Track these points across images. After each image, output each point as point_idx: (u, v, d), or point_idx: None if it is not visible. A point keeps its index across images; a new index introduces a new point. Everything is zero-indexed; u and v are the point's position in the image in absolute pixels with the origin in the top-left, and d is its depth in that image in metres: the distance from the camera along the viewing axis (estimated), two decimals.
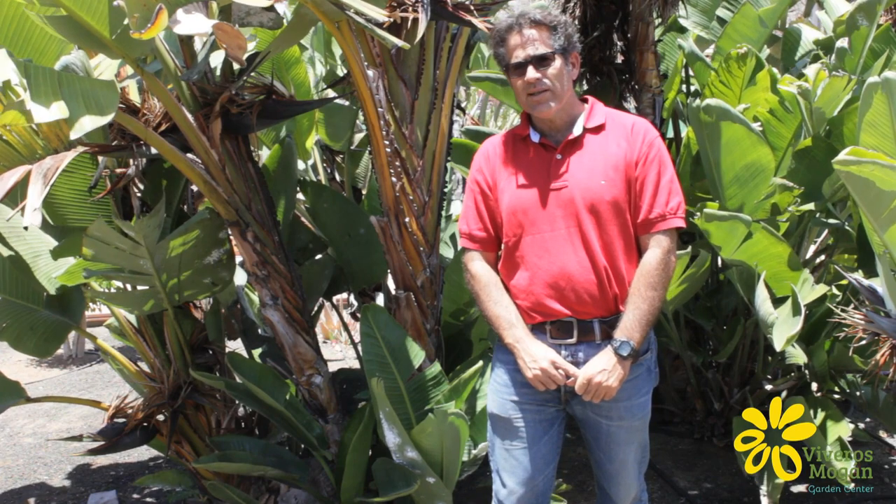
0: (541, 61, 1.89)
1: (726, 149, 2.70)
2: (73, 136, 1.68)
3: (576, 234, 1.91)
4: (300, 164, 3.93)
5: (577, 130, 1.96)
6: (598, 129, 1.97)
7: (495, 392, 2.09)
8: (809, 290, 2.64)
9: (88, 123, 1.72)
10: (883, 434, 3.71)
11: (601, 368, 1.88)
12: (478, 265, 2.05)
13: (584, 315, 1.94)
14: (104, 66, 2.62)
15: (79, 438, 3.05)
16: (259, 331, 3.33)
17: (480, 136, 3.80)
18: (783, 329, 2.46)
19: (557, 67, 1.90)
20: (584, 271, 1.91)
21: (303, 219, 3.46)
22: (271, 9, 2.05)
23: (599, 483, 2.17)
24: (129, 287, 2.84)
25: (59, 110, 1.67)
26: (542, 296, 1.94)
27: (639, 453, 2.09)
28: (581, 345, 1.95)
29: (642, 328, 1.89)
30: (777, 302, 2.64)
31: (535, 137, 1.99)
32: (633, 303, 1.90)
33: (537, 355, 1.92)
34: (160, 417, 2.97)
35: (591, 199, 1.90)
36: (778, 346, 2.44)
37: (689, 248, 2.73)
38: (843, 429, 2.76)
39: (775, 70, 3.01)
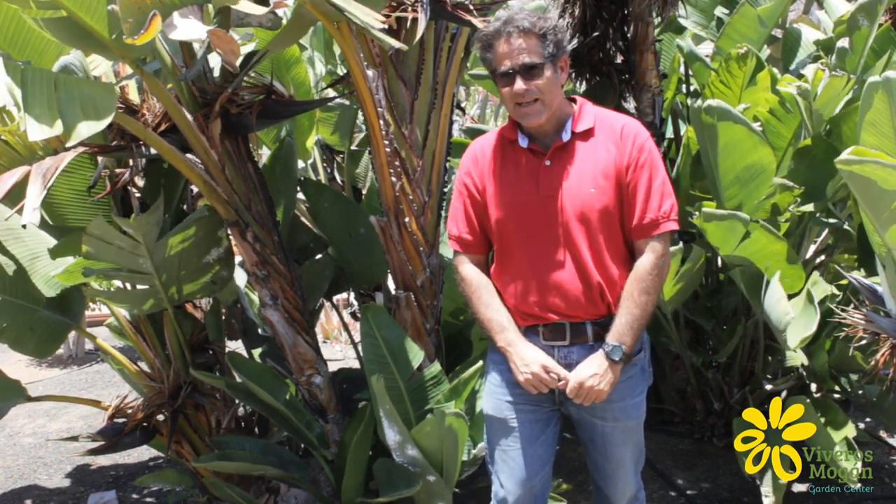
0: (529, 71, 1.85)
1: (727, 149, 2.70)
2: (70, 143, 1.69)
3: (565, 242, 1.91)
4: (300, 164, 3.93)
5: (565, 136, 1.93)
6: (587, 135, 1.94)
7: (490, 393, 2.09)
8: (821, 289, 2.63)
9: (85, 130, 1.73)
10: (883, 434, 3.71)
11: (592, 373, 1.88)
12: (468, 268, 2.05)
13: (576, 318, 1.94)
14: (98, 62, 2.62)
15: (78, 439, 3.05)
16: (259, 331, 3.33)
17: (481, 135, 3.80)
18: (797, 329, 2.45)
19: (547, 77, 1.86)
20: (573, 279, 1.91)
21: (303, 219, 3.46)
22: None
23: (596, 483, 2.17)
24: (128, 286, 2.84)
25: (54, 126, 1.67)
26: (532, 302, 1.95)
27: (635, 453, 2.08)
28: (574, 346, 1.95)
29: (634, 332, 1.88)
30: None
31: (523, 143, 1.97)
32: (626, 307, 1.89)
33: (528, 359, 1.91)
34: (160, 417, 2.97)
35: (580, 207, 1.89)
36: (792, 346, 2.43)
37: (681, 245, 2.72)
38: (848, 429, 2.76)
39: (775, 70, 3.00)
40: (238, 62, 2.55)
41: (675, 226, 1.93)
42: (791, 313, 2.52)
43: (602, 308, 1.93)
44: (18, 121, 1.62)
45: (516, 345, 1.94)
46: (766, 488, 2.69)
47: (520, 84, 1.85)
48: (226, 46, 1.65)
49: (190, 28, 1.63)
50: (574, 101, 2.00)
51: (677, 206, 1.96)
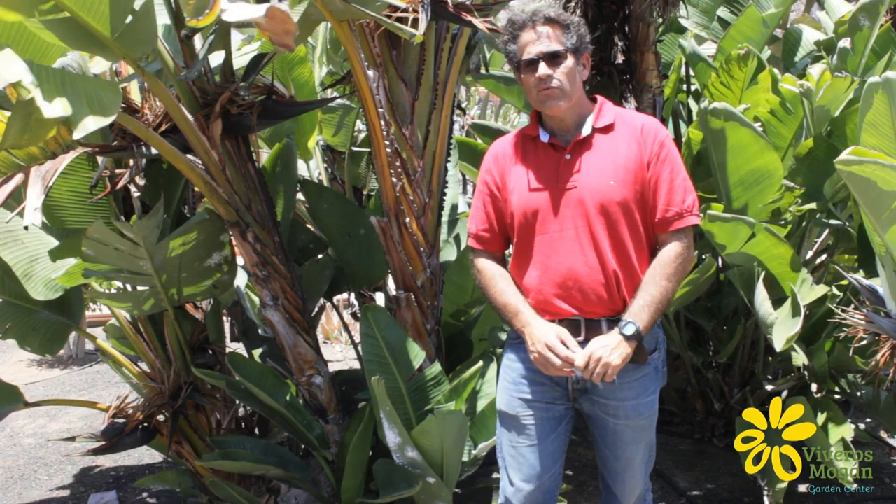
0: (553, 58, 1.89)
1: (732, 152, 2.70)
2: (77, 136, 1.67)
3: (585, 235, 1.92)
4: (302, 165, 3.94)
5: (585, 130, 1.96)
6: (608, 129, 1.97)
7: (504, 389, 2.10)
8: (809, 290, 2.64)
9: (91, 124, 1.72)
10: (883, 434, 3.71)
11: (603, 344, 1.87)
12: (483, 261, 2.08)
13: (592, 314, 1.94)
14: (96, 63, 2.62)
15: (78, 439, 3.05)
16: (259, 331, 3.33)
17: (487, 131, 3.83)
18: (783, 329, 2.46)
19: (569, 66, 1.91)
20: (592, 272, 1.92)
21: (303, 219, 3.46)
22: None
23: (605, 481, 2.17)
24: (129, 287, 2.84)
25: (62, 108, 1.66)
26: (550, 295, 1.95)
27: (645, 453, 2.09)
28: (589, 342, 1.94)
29: (650, 314, 1.88)
30: (779, 302, 2.64)
31: (544, 138, 1.99)
32: (646, 289, 1.90)
33: (535, 337, 1.91)
34: (160, 418, 2.97)
35: (600, 199, 1.91)
36: (778, 347, 2.44)
37: (695, 255, 2.72)
38: (846, 429, 2.76)
39: (776, 70, 3.01)
40: (245, 63, 2.56)
41: (697, 220, 1.96)
42: (774, 314, 2.53)
43: (618, 303, 1.94)
44: (33, 97, 1.60)
45: (530, 324, 1.94)
46: (768, 488, 2.69)
47: (543, 69, 1.89)
48: (280, 27, 1.58)
49: (244, 9, 1.58)
50: (595, 99, 2.04)
51: (699, 202, 1.98)
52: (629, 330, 1.86)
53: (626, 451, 2.05)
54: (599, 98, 2.04)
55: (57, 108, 1.64)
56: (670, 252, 1.93)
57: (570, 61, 1.91)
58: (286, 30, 1.60)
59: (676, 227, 1.93)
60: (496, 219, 2.06)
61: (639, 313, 1.88)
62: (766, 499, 2.70)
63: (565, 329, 1.93)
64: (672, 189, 1.93)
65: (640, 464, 2.08)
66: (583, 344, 1.93)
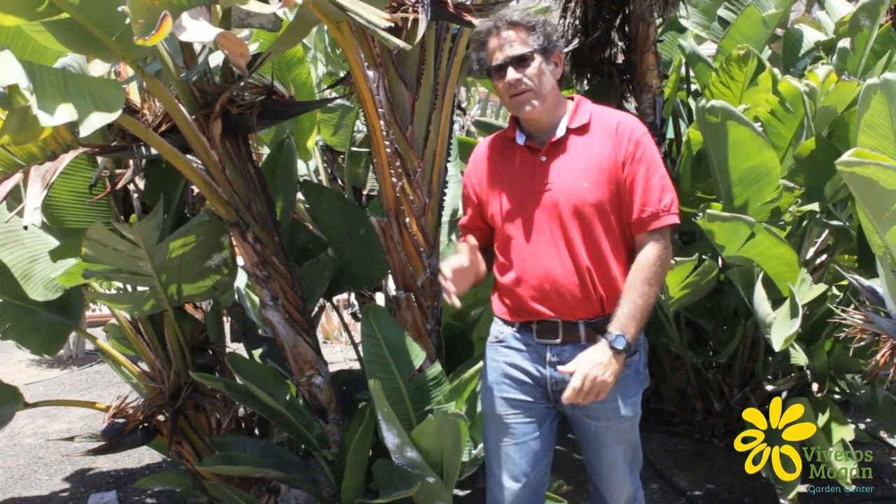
0: (520, 62, 1.89)
1: (730, 150, 2.70)
2: (83, 133, 1.68)
3: (560, 237, 1.91)
4: (301, 165, 3.94)
5: (560, 132, 1.95)
6: (583, 130, 1.96)
7: (486, 390, 2.11)
8: (807, 289, 2.64)
9: (97, 121, 1.72)
10: (883, 434, 3.71)
11: (597, 362, 1.83)
12: (462, 241, 2.13)
13: (569, 316, 1.94)
14: (95, 66, 2.62)
15: (77, 439, 3.06)
16: (259, 331, 3.33)
17: (490, 129, 3.87)
18: (781, 329, 2.46)
19: (537, 67, 1.89)
20: (568, 274, 1.91)
21: (303, 219, 3.46)
22: None
23: (593, 482, 2.17)
24: (129, 288, 2.84)
25: (67, 112, 1.66)
26: (527, 297, 1.95)
27: (629, 453, 2.08)
28: (566, 345, 1.94)
29: (637, 322, 1.87)
30: (780, 302, 2.64)
31: (520, 140, 1.99)
32: (629, 297, 1.88)
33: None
34: (160, 418, 2.97)
35: (574, 201, 1.90)
36: (776, 347, 2.44)
37: (696, 257, 2.71)
38: (846, 431, 2.76)
39: (776, 70, 3.01)
40: (244, 65, 2.56)
41: (675, 219, 1.92)
42: (772, 314, 2.53)
43: (596, 306, 1.93)
44: (30, 105, 1.61)
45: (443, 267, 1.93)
46: (781, 490, 2.69)
47: (511, 74, 1.89)
48: (235, 49, 1.64)
49: (200, 30, 1.62)
50: (571, 99, 2.02)
51: (678, 201, 1.96)
52: (620, 343, 1.84)
53: (609, 452, 2.04)
54: (576, 97, 2.02)
55: (59, 115, 1.64)
56: (648, 255, 1.90)
57: (537, 62, 1.90)
58: (240, 52, 1.66)
59: (653, 227, 1.90)
60: (479, 218, 2.10)
61: (626, 324, 1.86)
62: (781, 500, 2.69)
63: (458, 259, 1.93)
64: (648, 188, 1.90)
65: (623, 464, 2.07)
66: (560, 346, 1.93)
